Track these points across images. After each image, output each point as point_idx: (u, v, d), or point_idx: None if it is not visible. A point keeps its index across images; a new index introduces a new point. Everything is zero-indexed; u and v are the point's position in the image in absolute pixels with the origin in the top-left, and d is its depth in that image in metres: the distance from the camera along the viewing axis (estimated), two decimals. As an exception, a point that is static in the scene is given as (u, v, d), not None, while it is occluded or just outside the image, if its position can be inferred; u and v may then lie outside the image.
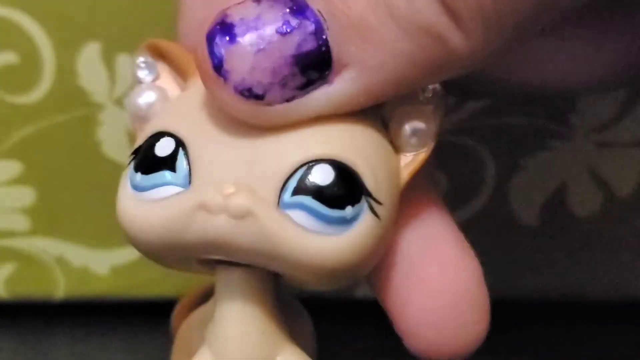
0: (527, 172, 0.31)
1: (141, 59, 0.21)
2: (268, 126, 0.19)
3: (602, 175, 0.31)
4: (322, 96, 0.18)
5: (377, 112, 0.20)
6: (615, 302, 0.32)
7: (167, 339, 0.31)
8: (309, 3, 0.18)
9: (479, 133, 0.30)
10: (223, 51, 0.18)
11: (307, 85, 0.18)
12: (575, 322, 0.32)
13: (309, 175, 0.18)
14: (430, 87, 0.20)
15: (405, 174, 0.20)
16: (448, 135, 0.30)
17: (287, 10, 0.18)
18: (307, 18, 0.18)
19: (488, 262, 0.31)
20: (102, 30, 0.29)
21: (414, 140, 0.20)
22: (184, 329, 0.23)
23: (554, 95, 0.27)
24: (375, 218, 0.19)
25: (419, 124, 0.20)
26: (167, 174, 0.19)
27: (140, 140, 0.20)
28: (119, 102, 0.29)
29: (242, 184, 0.18)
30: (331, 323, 0.26)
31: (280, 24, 0.18)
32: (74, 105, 0.29)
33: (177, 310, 0.28)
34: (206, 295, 0.27)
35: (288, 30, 0.18)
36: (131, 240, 0.19)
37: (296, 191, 0.18)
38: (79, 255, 0.31)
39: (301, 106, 0.18)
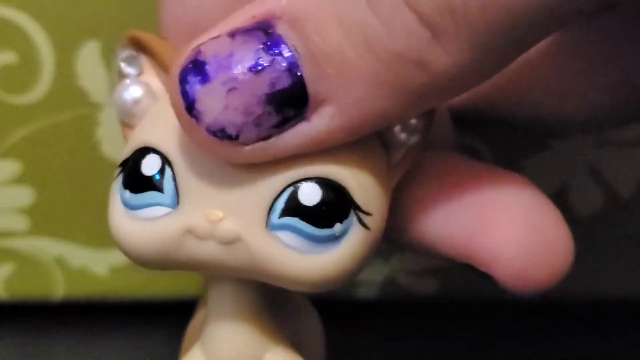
0: (527, 172, 0.30)
1: (125, 52, 0.21)
2: (244, 163, 0.18)
3: (603, 175, 0.31)
4: (300, 134, 0.18)
5: None
6: (617, 302, 0.32)
7: (166, 339, 0.31)
8: (284, 38, 0.17)
9: (479, 132, 0.30)
10: (195, 91, 0.17)
11: (283, 124, 0.18)
12: (577, 322, 0.32)
13: (296, 196, 0.18)
14: None
15: (395, 175, 0.20)
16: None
17: (261, 46, 0.17)
18: (280, 54, 0.17)
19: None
20: (102, 30, 0.29)
21: (403, 137, 0.19)
22: (190, 331, 0.23)
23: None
24: (364, 230, 0.19)
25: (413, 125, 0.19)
26: (155, 195, 0.18)
27: (128, 149, 0.19)
28: (119, 102, 0.29)
29: (230, 208, 0.18)
30: (331, 323, 0.26)
31: (252, 61, 0.17)
32: (73, 105, 0.29)
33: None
34: None
35: (260, 68, 0.17)
36: (124, 252, 0.19)
37: (284, 213, 0.18)
38: (78, 256, 0.31)
39: (278, 145, 0.18)
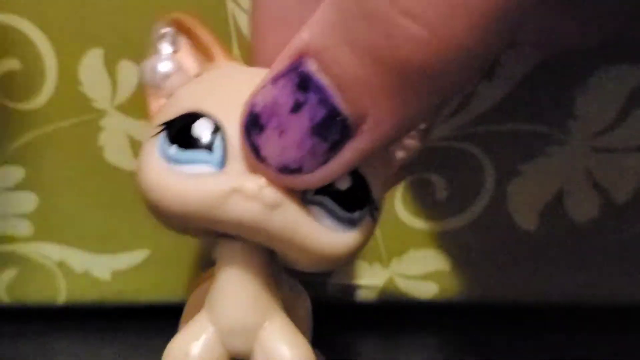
0: (525, 177, 0.31)
1: (164, 30, 0.23)
2: (315, 187, 0.20)
3: (600, 181, 0.31)
4: (352, 150, 0.20)
5: None
6: (614, 308, 0.32)
7: (168, 343, 0.31)
8: (313, 73, 0.19)
9: (478, 138, 0.30)
10: (257, 141, 0.20)
11: (335, 147, 0.20)
12: (573, 327, 0.32)
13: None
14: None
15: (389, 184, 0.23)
16: (448, 140, 0.30)
17: (296, 86, 0.19)
18: (311, 89, 0.19)
19: (487, 266, 0.31)
20: (104, 37, 0.29)
21: (400, 154, 0.22)
22: (194, 296, 0.25)
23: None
24: (372, 221, 0.21)
25: (409, 144, 0.22)
26: (204, 153, 0.20)
27: (171, 113, 0.21)
28: (121, 108, 0.29)
29: None
30: (332, 327, 0.26)
31: (291, 102, 0.19)
32: (76, 111, 0.29)
33: (190, 283, 0.28)
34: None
35: (298, 106, 0.19)
36: (156, 207, 0.21)
37: (319, 191, 0.20)
38: (81, 261, 0.31)
39: (336, 164, 0.20)
